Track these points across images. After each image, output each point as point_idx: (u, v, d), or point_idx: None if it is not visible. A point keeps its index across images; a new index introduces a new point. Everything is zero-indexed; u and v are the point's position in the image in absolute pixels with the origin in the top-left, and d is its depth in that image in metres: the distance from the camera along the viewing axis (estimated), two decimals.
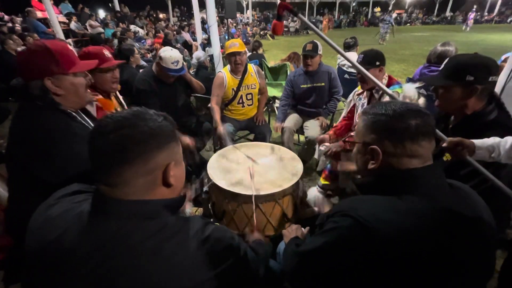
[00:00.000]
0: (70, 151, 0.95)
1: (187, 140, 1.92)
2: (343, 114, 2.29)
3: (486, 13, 23.75)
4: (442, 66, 1.18)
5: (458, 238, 0.62)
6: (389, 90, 1.25)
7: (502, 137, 0.98)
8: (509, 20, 21.82)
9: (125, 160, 0.56)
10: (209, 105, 2.49)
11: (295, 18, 21.60)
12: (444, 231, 0.61)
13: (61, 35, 7.06)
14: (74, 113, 1.07)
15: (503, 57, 2.51)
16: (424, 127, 0.67)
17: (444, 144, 1.00)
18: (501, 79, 1.88)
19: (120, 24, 10.06)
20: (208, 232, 0.62)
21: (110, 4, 14.08)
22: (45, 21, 7.49)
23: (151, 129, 0.59)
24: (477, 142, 0.97)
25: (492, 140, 0.97)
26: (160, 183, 0.62)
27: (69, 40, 7.37)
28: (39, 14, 7.65)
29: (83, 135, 0.98)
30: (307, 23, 1.07)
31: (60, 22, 7.53)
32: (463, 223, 0.63)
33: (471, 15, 16.94)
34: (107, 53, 1.54)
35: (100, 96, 1.57)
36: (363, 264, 0.61)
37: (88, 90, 1.12)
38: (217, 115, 2.37)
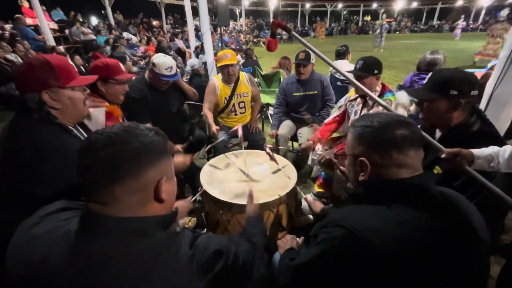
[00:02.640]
0: (63, 165, 0.92)
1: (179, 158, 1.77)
2: (330, 117, 2.27)
3: (471, 22, 24.60)
4: (427, 80, 1.20)
5: (448, 245, 0.62)
6: (381, 101, 1.26)
7: (487, 146, 1.00)
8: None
9: (115, 177, 0.55)
10: (202, 112, 2.48)
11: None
12: (433, 239, 0.61)
13: (52, 42, 7.00)
14: (70, 127, 1.06)
15: (489, 65, 2.59)
16: (410, 137, 0.68)
17: (443, 155, 1.00)
18: (488, 86, 1.93)
19: (113, 31, 10.02)
20: (195, 246, 0.61)
21: (102, 11, 14.05)
22: (36, 28, 7.41)
23: (143, 144, 0.58)
24: (475, 151, 0.98)
25: (491, 149, 0.98)
26: (152, 199, 0.61)
27: (61, 47, 7.29)
28: (30, 21, 7.57)
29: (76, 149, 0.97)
30: (300, 39, 1.08)
31: (51, 29, 7.48)
32: (453, 231, 0.64)
33: (460, 26, 17.18)
34: (122, 66, 1.66)
35: (107, 103, 1.60)
36: (357, 273, 0.61)
37: (87, 103, 1.12)
38: (210, 119, 2.36)
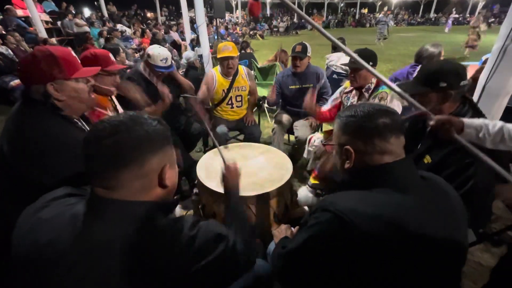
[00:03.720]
0: (69, 155, 0.93)
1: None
2: (325, 107, 2.28)
3: (468, 15, 24.56)
4: (416, 73, 1.21)
5: (430, 225, 0.65)
6: (393, 84, 1.16)
7: None
8: (489, 21, 22.67)
9: (121, 164, 0.57)
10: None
11: (284, 18, 21.64)
12: (415, 220, 0.64)
13: (44, 34, 6.84)
14: (75, 119, 1.07)
15: (483, 58, 2.61)
16: (391, 124, 0.71)
17: (432, 122, 1.01)
18: (481, 78, 1.95)
19: (106, 23, 9.83)
20: (197, 228, 0.63)
21: (95, 3, 13.73)
22: (27, 20, 7.23)
23: (147, 133, 0.60)
24: (466, 120, 0.99)
25: (482, 120, 0.99)
26: (155, 185, 0.63)
27: (53, 40, 7.14)
28: (20, 12, 7.37)
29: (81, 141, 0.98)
30: (293, 7, 1.01)
31: (43, 21, 7.30)
32: (433, 211, 0.67)
33: (450, 19, 17.65)
34: (112, 56, 1.60)
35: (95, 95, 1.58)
36: (345, 256, 0.63)
37: (91, 94, 1.11)
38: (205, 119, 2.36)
